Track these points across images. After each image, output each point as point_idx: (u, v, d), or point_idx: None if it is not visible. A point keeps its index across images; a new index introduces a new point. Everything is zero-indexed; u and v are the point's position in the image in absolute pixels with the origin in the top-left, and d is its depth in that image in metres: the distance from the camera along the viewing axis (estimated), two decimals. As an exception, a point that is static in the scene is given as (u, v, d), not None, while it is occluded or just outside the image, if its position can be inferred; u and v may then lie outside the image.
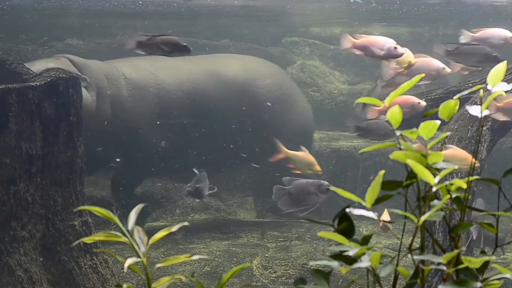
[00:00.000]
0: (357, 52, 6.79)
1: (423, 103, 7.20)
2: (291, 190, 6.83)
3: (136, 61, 10.52)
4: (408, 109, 6.90)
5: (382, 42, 6.77)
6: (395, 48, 6.75)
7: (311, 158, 7.74)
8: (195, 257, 2.16)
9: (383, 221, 2.50)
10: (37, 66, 8.68)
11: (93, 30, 14.41)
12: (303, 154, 7.85)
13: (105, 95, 9.81)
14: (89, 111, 9.16)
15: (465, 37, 7.21)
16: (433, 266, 2.06)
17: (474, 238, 6.63)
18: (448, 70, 7.23)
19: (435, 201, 2.08)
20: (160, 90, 10.23)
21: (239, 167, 11.48)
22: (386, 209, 5.71)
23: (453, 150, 6.15)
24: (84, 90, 8.69)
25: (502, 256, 8.96)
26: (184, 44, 6.57)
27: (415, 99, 7.22)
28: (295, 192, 6.83)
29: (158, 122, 10.15)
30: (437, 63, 7.16)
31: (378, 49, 6.71)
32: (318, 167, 7.61)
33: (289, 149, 8.04)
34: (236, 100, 10.73)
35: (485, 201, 7.90)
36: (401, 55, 6.80)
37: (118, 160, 10.07)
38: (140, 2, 13.44)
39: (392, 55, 6.76)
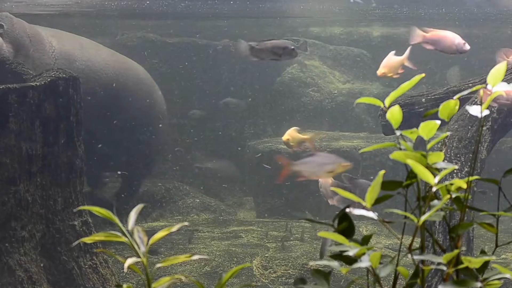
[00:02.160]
0: (428, 46, 6.74)
1: None
2: (351, 188, 6.68)
3: (64, 33, 10.33)
4: None
5: (452, 37, 6.76)
6: (464, 43, 6.78)
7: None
8: (195, 257, 2.16)
9: (384, 221, 2.50)
10: None
11: (93, 30, 14.40)
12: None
13: (25, 44, 9.25)
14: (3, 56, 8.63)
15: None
16: (433, 266, 2.06)
17: None
18: None
19: (435, 201, 2.08)
20: (86, 67, 9.99)
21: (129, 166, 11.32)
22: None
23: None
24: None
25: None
26: (292, 47, 6.67)
27: None
28: (358, 191, 6.69)
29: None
30: None
31: (450, 44, 6.71)
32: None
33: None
34: (143, 101, 10.75)
35: (486, 201, 7.90)
36: (467, 51, 6.83)
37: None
38: (148, 2, 13.45)
39: (461, 51, 6.78)
